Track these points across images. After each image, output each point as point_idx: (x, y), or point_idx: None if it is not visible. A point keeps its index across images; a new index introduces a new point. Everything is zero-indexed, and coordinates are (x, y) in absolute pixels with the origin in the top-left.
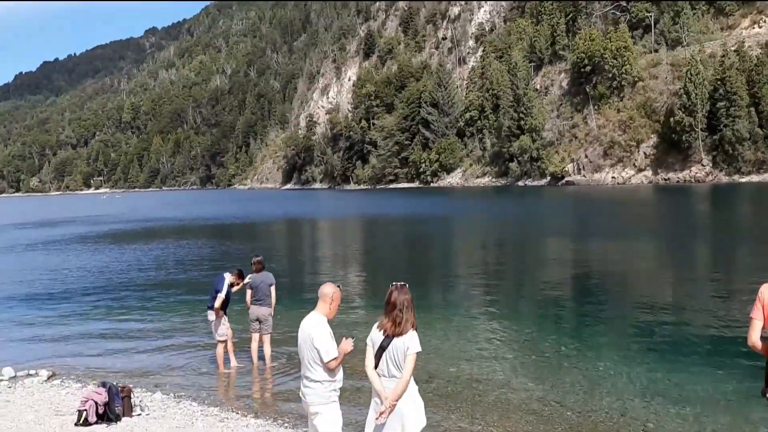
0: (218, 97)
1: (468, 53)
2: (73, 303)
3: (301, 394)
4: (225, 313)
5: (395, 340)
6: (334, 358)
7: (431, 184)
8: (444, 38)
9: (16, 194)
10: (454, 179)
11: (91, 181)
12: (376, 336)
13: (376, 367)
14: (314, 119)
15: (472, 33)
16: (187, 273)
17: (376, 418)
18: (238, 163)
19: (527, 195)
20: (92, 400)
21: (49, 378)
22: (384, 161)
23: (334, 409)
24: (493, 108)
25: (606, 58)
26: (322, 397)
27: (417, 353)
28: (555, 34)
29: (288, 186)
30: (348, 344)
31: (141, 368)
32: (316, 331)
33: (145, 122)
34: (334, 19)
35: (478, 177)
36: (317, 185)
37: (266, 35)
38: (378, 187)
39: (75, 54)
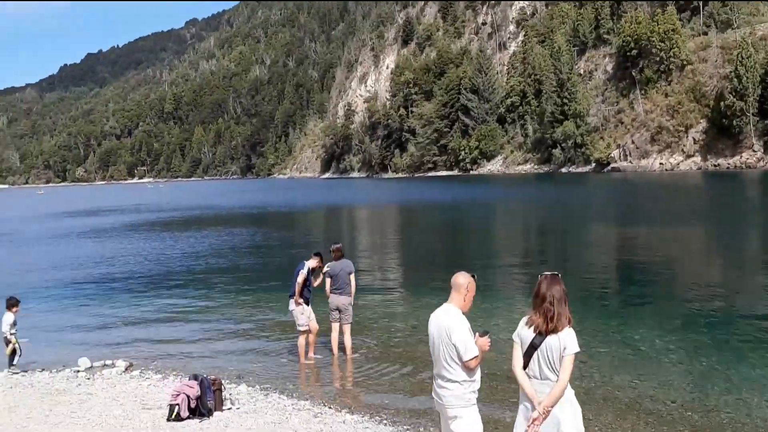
0: (258, 87)
1: (508, 38)
2: (137, 292)
3: (434, 396)
4: (306, 303)
5: (549, 338)
6: (475, 356)
7: (471, 172)
8: (484, 23)
9: (62, 184)
10: (494, 166)
11: (135, 171)
12: (524, 333)
13: (525, 367)
14: (352, 108)
15: (513, 18)
16: (248, 260)
17: (528, 426)
18: (278, 152)
19: (572, 182)
20: (184, 393)
21: (127, 369)
22: (422, 149)
23: (473, 412)
24: (536, 93)
25: (653, 41)
26: (461, 399)
27: (576, 354)
28: (599, 17)
29: (326, 175)
30: (485, 341)
31: (220, 359)
32: (454, 325)
33: (186, 113)
34: (372, 7)
35: (519, 164)
36: (355, 174)
37: (304, 25)
38: (416, 175)
39: (118, 46)
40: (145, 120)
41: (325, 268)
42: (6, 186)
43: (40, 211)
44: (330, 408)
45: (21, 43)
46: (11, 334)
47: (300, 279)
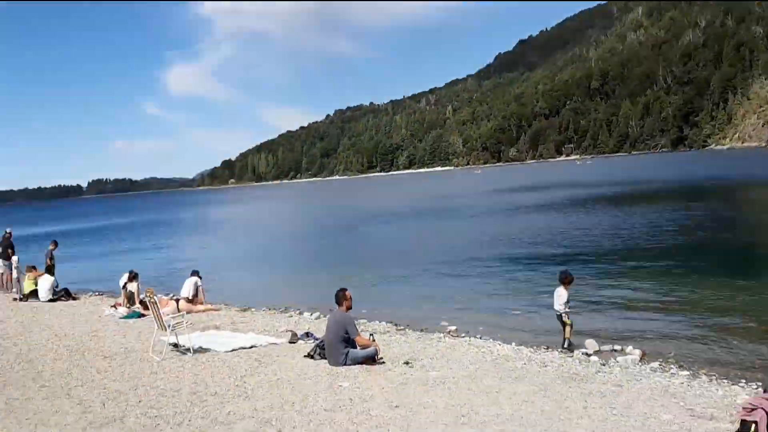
0: (691, 53)
1: None
2: (603, 266)
3: None
4: None
5: None
6: None
7: None
8: None
9: (498, 164)
10: None
11: (563, 149)
12: None
13: None
14: None
15: None
16: (723, 240)
17: None
18: (715, 121)
19: None
20: (762, 408)
21: (641, 358)
22: None
23: None
24: None
25: None
26: None
27: None
28: None
29: None
30: None
31: (746, 362)
32: None
33: (613, 87)
34: None
35: None
36: None
37: None
38: None
39: (546, 29)
40: (571, 98)
41: None
42: (451, 167)
43: (483, 188)
44: None
45: (462, 40)
46: (564, 312)
47: None
